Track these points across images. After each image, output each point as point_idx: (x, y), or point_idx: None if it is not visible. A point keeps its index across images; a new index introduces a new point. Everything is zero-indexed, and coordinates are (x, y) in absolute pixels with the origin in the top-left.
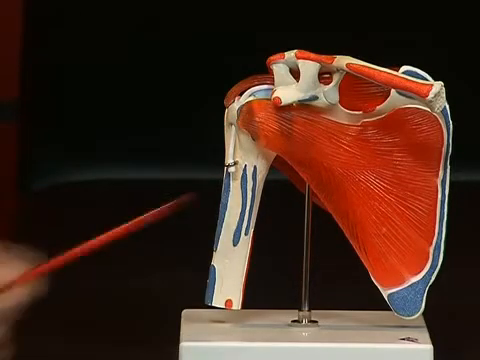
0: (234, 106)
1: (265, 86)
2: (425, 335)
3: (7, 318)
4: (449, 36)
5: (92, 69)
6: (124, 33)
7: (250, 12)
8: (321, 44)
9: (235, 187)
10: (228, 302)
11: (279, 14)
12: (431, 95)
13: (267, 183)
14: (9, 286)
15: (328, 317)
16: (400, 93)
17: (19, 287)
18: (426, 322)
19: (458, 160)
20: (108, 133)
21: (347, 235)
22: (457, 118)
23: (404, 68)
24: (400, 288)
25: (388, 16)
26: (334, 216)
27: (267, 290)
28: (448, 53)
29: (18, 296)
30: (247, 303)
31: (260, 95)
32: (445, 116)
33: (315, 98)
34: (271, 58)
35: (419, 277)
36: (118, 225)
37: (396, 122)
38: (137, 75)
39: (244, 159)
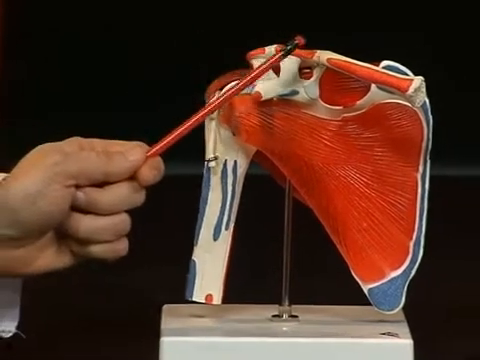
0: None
1: None
2: (405, 330)
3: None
4: (438, 35)
5: (92, 69)
6: (124, 33)
7: (249, 8)
8: (314, 43)
9: (215, 182)
10: (208, 297)
11: (274, 13)
12: (411, 90)
13: (247, 177)
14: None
15: (308, 312)
16: (380, 88)
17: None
18: (406, 317)
19: (442, 155)
20: (109, 133)
21: (328, 230)
22: (441, 113)
23: (384, 63)
24: (380, 283)
25: (380, 16)
26: (315, 211)
27: (248, 285)
28: (437, 51)
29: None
30: (227, 298)
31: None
32: (425, 111)
33: (296, 93)
34: (251, 53)
35: (399, 272)
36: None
37: (376, 117)
38: (137, 76)
39: (224, 154)
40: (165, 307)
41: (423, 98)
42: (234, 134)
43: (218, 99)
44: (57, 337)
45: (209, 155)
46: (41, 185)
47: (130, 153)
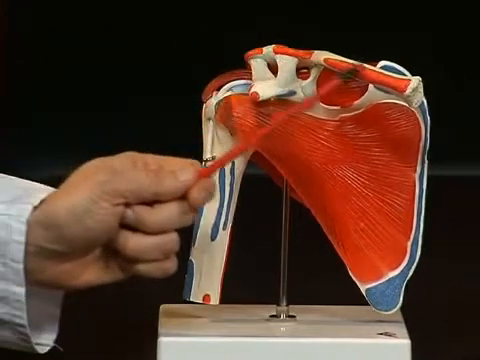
0: (212, 101)
1: (243, 81)
2: (403, 330)
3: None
4: (436, 35)
5: (92, 69)
6: (124, 33)
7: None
8: (312, 43)
9: None
10: (206, 297)
11: (272, 13)
12: (409, 90)
13: (245, 178)
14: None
15: (306, 312)
16: (378, 88)
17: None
18: (404, 317)
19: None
20: (109, 133)
21: (325, 230)
22: (439, 113)
23: (382, 63)
24: (378, 283)
25: (378, 16)
26: (312, 211)
27: (245, 285)
28: (435, 51)
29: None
30: (225, 298)
31: (238, 90)
32: (423, 111)
33: (293, 93)
34: (249, 53)
35: (397, 272)
36: None
37: (374, 117)
38: (137, 75)
39: (222, 154)
40: (163, 307)
41: (421, 98)
42: (232, 134)
43: (279, 119)
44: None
45: (207, 155)
46: (89, 203)
47: (181, 173)
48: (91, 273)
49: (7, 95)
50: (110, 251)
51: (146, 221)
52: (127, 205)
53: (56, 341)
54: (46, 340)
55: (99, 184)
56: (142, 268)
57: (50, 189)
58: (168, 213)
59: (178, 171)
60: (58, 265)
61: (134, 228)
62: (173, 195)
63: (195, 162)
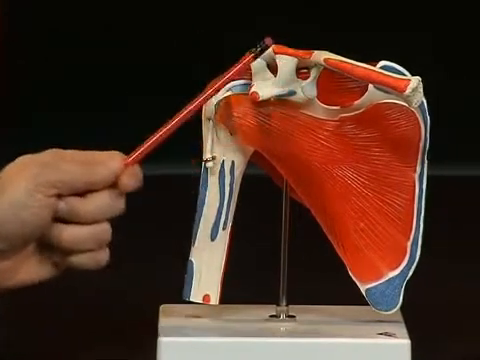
0: (212, 101)
1: (243, 81)
2: (403, 330)
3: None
4: (437, 35)
5: (92, 69)
6: (124, 33)
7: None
8: (312, 43)
9: (213, 182)
10: (206, 297)
11: (273, 14)
12: (409, 90)
13: (245, 178)
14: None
15: (306, 312)
16: (378, 88)
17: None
18: (404, 317)
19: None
20: (109, 133)
21: (325, 230)
22: (440, 113)
23: (382, 63)
24: (378, 283)
25: (378, 16)
26: (312, 211)
27: (245, 285)
28: (436, 51)
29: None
30: (225, 298)
31: (238, 90)
32: (423, 111)
33: (293, 93)
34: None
35: (397, 272)
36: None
37: (374, 117)
38: (137, 75)
39: (222, 154)
40: (162, 307)
41: (420, 98)
42: (232, 134)
43: (192, 104)
44: (56, 336)
45: (207, 155)
46: (24, 197)
47: (110, 161)
48: (26, 271)
49: (7, 95)
50: (43, 247)
51: (80, 211)
52: (59, 197)
53: (57, 340)
54: None
55: (32, 177)
56: (76, 260)
57: None
58: (100, 202)
59: (106, 160)
60: None
61: (68, 220)
62: (104, 183)
63: (119, 153)
